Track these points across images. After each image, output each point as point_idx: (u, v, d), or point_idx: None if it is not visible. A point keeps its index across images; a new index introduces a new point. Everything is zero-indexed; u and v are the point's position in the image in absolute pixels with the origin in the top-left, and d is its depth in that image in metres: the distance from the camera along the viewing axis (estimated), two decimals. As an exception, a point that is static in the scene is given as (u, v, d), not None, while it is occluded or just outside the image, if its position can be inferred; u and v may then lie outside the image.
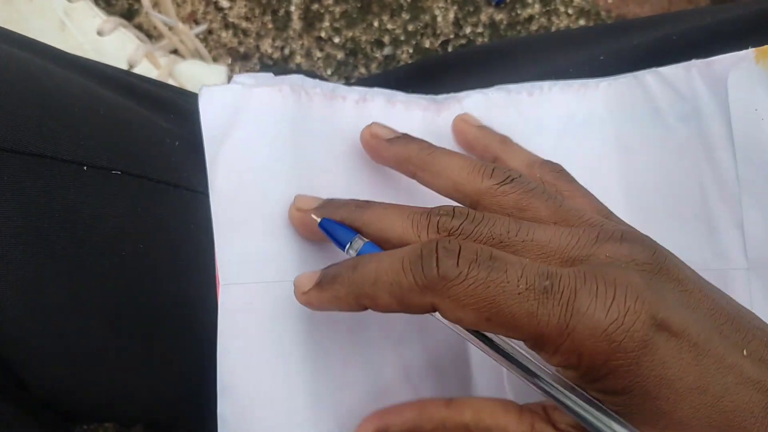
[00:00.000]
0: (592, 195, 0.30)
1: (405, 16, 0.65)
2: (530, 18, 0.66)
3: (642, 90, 0.34)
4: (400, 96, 0.35)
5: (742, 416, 0.23)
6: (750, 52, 0.32)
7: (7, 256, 0.29)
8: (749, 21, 0.37)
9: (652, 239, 0.25)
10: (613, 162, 0.34)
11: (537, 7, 0.66)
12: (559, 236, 0.25)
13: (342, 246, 0.28)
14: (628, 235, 0.25)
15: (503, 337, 0.25)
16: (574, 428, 0.25)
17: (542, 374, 0.24)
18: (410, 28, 0.65)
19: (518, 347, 0.25)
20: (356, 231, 0.28)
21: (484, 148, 0.32)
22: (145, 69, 0.48)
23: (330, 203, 0.29)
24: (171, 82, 0.48)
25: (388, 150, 0.31)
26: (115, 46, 0.48)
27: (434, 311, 0.24)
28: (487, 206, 0.28)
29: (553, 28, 0.67)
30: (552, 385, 0.24)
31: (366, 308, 0.26)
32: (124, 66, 0.48)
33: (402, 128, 0.33)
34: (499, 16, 0.66)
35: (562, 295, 0.22)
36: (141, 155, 0.33)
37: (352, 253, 0.27)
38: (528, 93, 0.35)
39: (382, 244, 0.27)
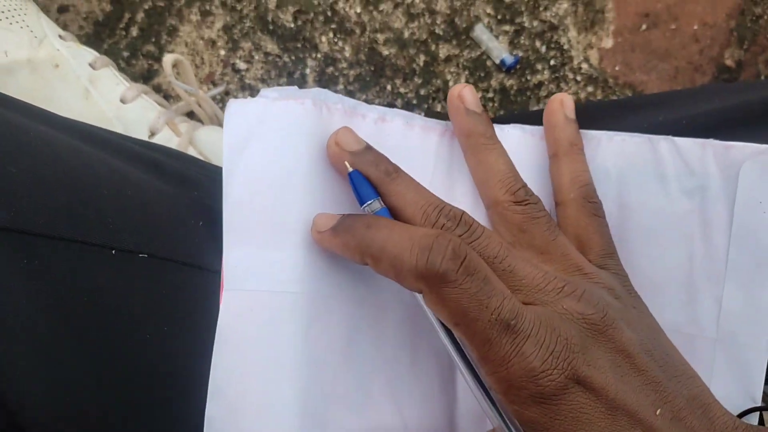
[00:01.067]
0: (606, 233, 0.33)
1: (417, 80, 0.67)
2: (539, 84, 0.68)
3: (653, 154, 0.35)
4: (418, 119, 0.35)
5: None
6: None
7: (33, 333, 0.30)
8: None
9: (609, 302, 0.29)
10: (611, 214, 0.35)
11: (546, 73, 0.68)
12: (534, 276, 0.28)
13: (361, 202, 0.30)
14: (587, 295, 0.28)
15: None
16: None
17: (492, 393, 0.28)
18: (422, 92, 0.67)
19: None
20: (377, 193, 0.30)
21: (560, 140, 0.34)
22: (166, 136, 0.49)
23: (367, 153, 0.31)
24: (191, 149, 0.49)
25: (464, 117, 0.34)
26: (137, 114, 0.49)
27: (420, 294, 0.27)
28: (498, 213, 0.32)
29: (562, 95, 0.68)
30: (496, 405, 0.27)
31: (366, 264, 0.29)
32: (145, 133, 0.49)
33: (418, 150, 0.35)
34: (509, 82, 0.67)
35: (518, 336, 0.26)
36: (166, 237, 0.33)
37: (368, 210, 0.30)
38: (541, 136, 0.36)
39: (394, 214, 0.30)
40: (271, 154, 0.32)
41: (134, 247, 0.32)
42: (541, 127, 0.37)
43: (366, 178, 0.31)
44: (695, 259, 0.34)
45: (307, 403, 0.31)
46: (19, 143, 0.32)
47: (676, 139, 0.35)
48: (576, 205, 0.33)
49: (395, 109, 0.35)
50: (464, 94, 0.34)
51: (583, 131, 0.36)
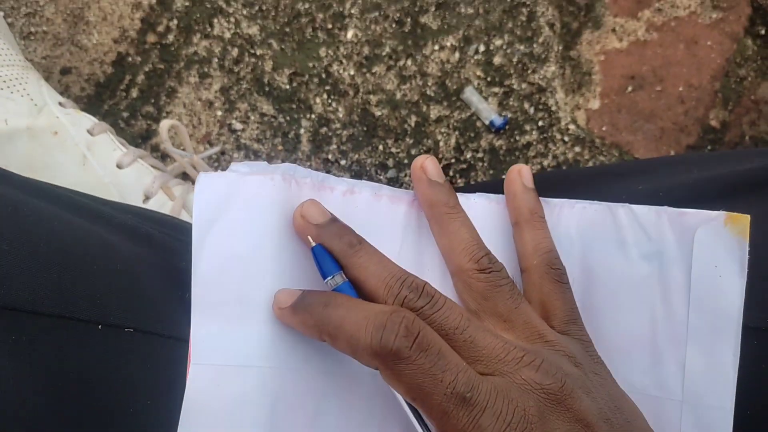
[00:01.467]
0: (569, 299, 0.34)
1: (408, 140, 0.68)
2: (528, 144, 0.69)
3: (612, 221, 0.36)
4: (386, 190, 0.36)
5: None
6: (721, 215, 0.35)
7: (19, 413, 0.31)
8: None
9: (565, 371, 0.29)
10: (575, 279, 0.36)
11: (535, 134, 0.70)
12: (494, 347, 0.29)
13: (323, 276, 0.31)
14: (546, 365, 0.29)
15: None
16: None
17: None
18: (413, 152, 0.68)
19: None
20: (340, 267, 0.31)
21: (520, 208, 0.36)
22: (160, 200, 0.51)
23: (331, 226, 0.32)
24: (184, 213, 0.50)
25: (426, 188, 0.35)
26: (132, 179, 0.51)
27: (376, 370, 0.28)
28: (462, 281, 0.33)
29: (550, 155, 0.69)
30: None
31: (324, 341, 0.29)
32: (140, 197, 0.50)
33: (386, 221, 0.36)
34: (498, 142, 0.69)
35: (475, 408, 0.26)
36: (152, 311, 0.34)
37: (331, 283, 0.31)
38: (505, 204, 0.37)
39: (357, 289, 0.31)
40: (240, 229, 0.33)
41: (121, 321, 0.33)
42: (504, 196, 0.38)
43: (330, 250, 0.31)
44: (657, 322, 0.35)
45: None
46: (13, 220, 0.33)
47: (634, 206, 0.36)
48: (539, 271, 0.34)
49: (363, 181, 0.36)
50: (426, 165, 0.35)
51: (545, 199, 0.37)
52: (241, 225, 0.33)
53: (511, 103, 0.70)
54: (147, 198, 0.50)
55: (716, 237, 0.34)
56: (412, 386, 0.27)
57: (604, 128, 0.71)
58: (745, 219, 0.34)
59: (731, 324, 0.34)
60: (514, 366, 0.29)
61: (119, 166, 0.51)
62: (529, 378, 0.28)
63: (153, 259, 0.37)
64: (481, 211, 0.37)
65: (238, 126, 0.68)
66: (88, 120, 0.53)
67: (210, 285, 0.32)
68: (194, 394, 0.31)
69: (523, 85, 0.70)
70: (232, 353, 0.32)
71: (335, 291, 0.31)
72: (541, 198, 0.37)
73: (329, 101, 0.68)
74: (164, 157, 0.66)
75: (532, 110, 0.70)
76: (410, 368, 0.27)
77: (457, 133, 0.69)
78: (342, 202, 0.35)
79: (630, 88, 0.71)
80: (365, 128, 0.68)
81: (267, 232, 0.33)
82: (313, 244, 0.31)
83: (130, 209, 0.43)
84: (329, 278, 0.31)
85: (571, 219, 0.37)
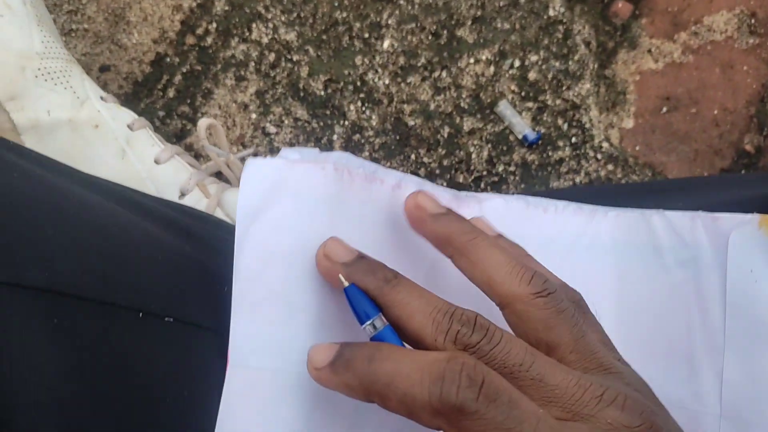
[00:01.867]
0: (600, 327, 0.30)
1: (441, 151, 0.69)
2: (560, 160, 0.69)
3: (647, 227, 0.36)
4: (428, 186, 0.35)
5: None
6: (755, 217, 0.34)
7: (59, 396, 0.31)
8: None
9: (650, 408, 0.25)
10: (611, 289, 0.36)
11: (567, 150, 0.69)
12: (567, 384, 0.25)
13: (361, 321, 0.27)
14: (630, 401, 0.25)
15: None
16: None
17: None
18: (445, 162, 0.68)
19: None
20: (378, 308, 0.27)
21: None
22: (195, 197, 0.51)
23: (362, 263, 0.29)
24: (218, 211, 0.51)
25: (431, 225, 0.30)
26: (169, 175, 0.51)
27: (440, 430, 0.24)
28: (517, 312, 0.27)
29: (582, 172, 0.69)
30: None
31: (372, 402, 0.26)
32: (176, 193, 0.50)
33: None
34: (531, 157, 0.69)
35: None
36: (193, 302, 0.34)
37: (369, 330, 0.27)
38: (544, 209, 0.37)
39: (398, 329, 0.27)
40: (287, 222, 0.31)
41: (161, 311, 0.33)
42: (519, 199, 0.37)
43: (364, 290, 0.28)
44: (693, 330, 0.34)
45: None
46: (59, 206, 0.33)
47: (667, 212, 0.36)
48: (532, 301, 0.28)
49: (410, 176, 0.35)
50: (421, 201, 0.31)
51: (580, 205, 0.36)
52: (289, 218, 0.31)
53: (544, 118, 0.70)
54: (183, 194, 0.51)
55: (751, 240, 0.33)
56: None
57: (637, 147, 0.70)
58: None
59: None
60: (594, 407, 0.24)
61: (157, 162, 0.51)
62: (616, 420, 0.24)
63: (192, 252, 0.37)
64: (495, 212, 0.36)
65: (272, 129, 0.68)
66: (128, 115, 0.53)
67: (252, 282, 0.31)
68: (230, 396, 0.30)
69: (557, 102, 0.70)
70: (271, 356, 0.31)
71: (376, 338, 0.27)
72: (574, 204, 0.37)
73: (363, 109, 0.69)
74: (198, 156, 0.67)
75: (565, 126, 0.70)
76: (479, 424, 0.23)
77: (489, 145, 0.69)
78: (390, 198, 0.34)
79: (665, 109, 0.71)
80: (398, 137, 0.68)
81: (315, 227, 0.31)
82: (346, 284, 0.28)
83: (168, 203, 0.44)
84: (367, 323, 0.27)
85: (605, 226, 0.36)
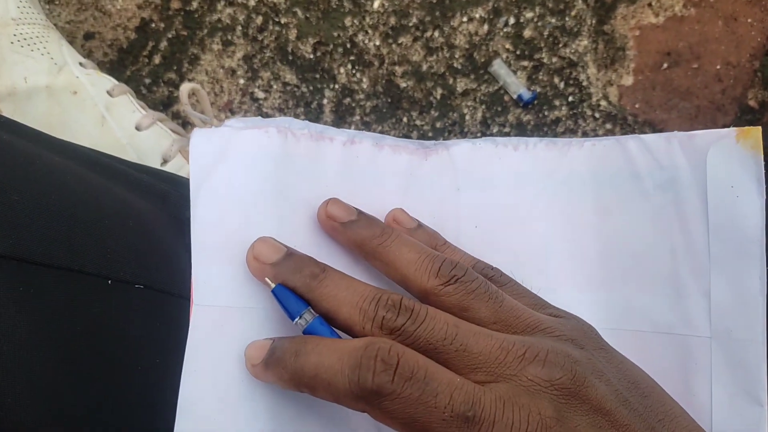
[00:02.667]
0: (526, 290, 0.31)
1: (434, 113, 0.67)
2: (557, 120, 0.67)
3: (623, 154, 0.35)
4: (388, 140, 0.35)
5: None
6: (732, 131, 0.33)
7: (29, 364, 0.30)
8: None
9: (573, 358, 0.26)
10: (590, 220, 0.35)
11: (564, 110, 0.67)
12: (490, 349, 0.26)
13: (291, 317, 0.29)
14: (551, 357, 0.26)
15: None
16: None
17: None
18: (438, 125, 0.67)
19: None
20: (307, 303, 0.29)
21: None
22: (178, 163, 0.50)
23: (289, 261, 0.30)
24: (202, 177, 0.50)
25: (342, 233, 0.32)
26: (151, 141, 0.50)
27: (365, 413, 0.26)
28: (433, 303, 0.29)
29: (579, 131, 0.67)
30: None
31: (304, 392, 0.27)
32: (158, 160, 0.49)
33: (387, 171, 0.35)
34: (526, 117, 0.67)
35: (482, 425, 0.24)
36: (164, 269, 0.33)
37: (302, 323, 0.28)
38: (514, 147, 0.36)
39: (330, 321, 0.28)
40: (237, 178, 0.32)
41: (131, 277, 0.32)
42: (487, 141, 0.36)
43: (292, 288, 0.29)
44: (678, 253, 0.33)
45: (278, 419, 0.31)
46: (25, 171, 0.32)
47: (643, 136, 0.35)
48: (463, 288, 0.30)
49: (364, 132, 0.35)
50: (331, 211, 0.32)
51: (553, 139, 0.36)
52: (239, 173, 0.32)
53: (540, 77, 0.68)
54: (165, 161, 0.49)
55: (729, 155, 0.32)
56: (406, 421, 0.24)
57: (637, 105, 0.68)
58: (757, 131, 0.32)
59: (754, 247, 0.32)
60: (517, 366, 0.26)
61: (138, 128, 0.50)
62: (537, 376, 0.25)
63: (169, 218, 0.36)
64: (463, 156, 0.36)
65: (260, 95, 0.67)
66: (108, 81, 0.52)
67: (209, 228, 0.32)
68: (198, 334, 0.31)
69: (554, 60, 0.68)
70: (235, 295, 0.31)
71: (307, 331, 0.28)
72: (547, 139, 0.36)
73: (353, 72, 0.67)
74: (185, 125, 0.66)
75: (562, 85, 0.68)
76: (398, 403, 0.24)
77: (483, 106, 0.67)
78: (342, 153, 0.34)
79: (665, 65, 0.69)
80: (390, 100, 0.67)
81: (264, 180, 0.32)
82: (272, 285, 0.29)
83: (146, 169, 0.43)
84: (297, 319, 0.29)
85: (581, 157, 0.35)
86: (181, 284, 0.33)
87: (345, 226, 0.32)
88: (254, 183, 0.32)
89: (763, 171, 0.32)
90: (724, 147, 0.33)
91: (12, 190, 0.31)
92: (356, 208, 0.33)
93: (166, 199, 0.38)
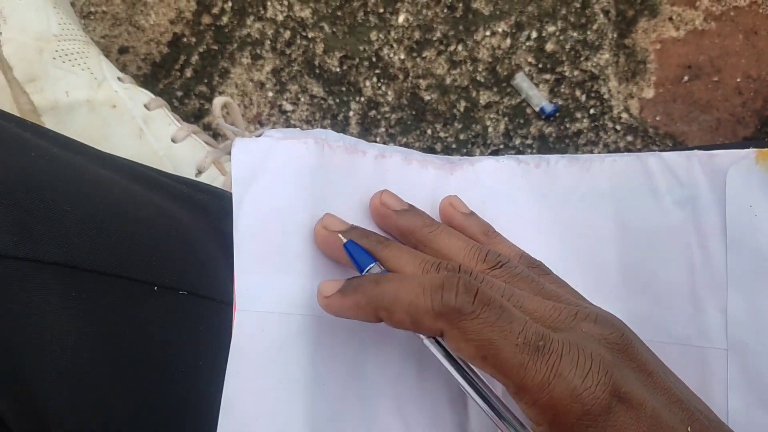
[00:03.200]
0: (565, 283, 0.33)
1: (457, 125, 0.68)
2: (578, 132, 0.68)
3: (643, 171, 0.36)
4: (416, 155, 0.37)
5: None
6: (751, 152, 0.34)
7: (78, 368, 0.32)
8: None
9: (621, 322, 0.29)
10: (611, 235, 0.36)
11: (586, 122, 0.69)
12: (544, 308, 0.28)
13: (361, 269, 0.31)
14: (601, 317, 0.28)
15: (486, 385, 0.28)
16: None
17: (515, 424, 0.27)
18: (462, 137, 0.68)
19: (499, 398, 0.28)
20: (375, 260, 0.31)
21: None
22: (212, 175, 0.52)
23: (355, 230, 0.33)
24: (235, 188, 0.51)
25: (395, 220, 0.34)
26: (186, 153, 0.52)
27: (440, 335, 0.27)
28: None
29: (601, 143, 0.68)
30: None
31: (380, 320, 0.29)
32: (193, 171, 0.51)
33: (415, 184, 0.36)
34: (548, 129, 0.68)
35: (551, 356, 0.25)
36: (206, 276, 0.35)
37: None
38: (536, 164, 0.37)
39: None
40: (277, 187, 0.34)
41: (176, 284, 0.34)
42: (510, 159, 0.38)
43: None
44: (696, 269, 0.34)
45: (315, 421, 0.32)
46: (76, 184, 0.34)
47: (663, 153, 0.36)
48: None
49: (394, 146, 0.37)
50: (385, 199, 0.34)
51: (574, 156, 0.37)
52: (278, 184, 0.34)
53: (562, 90, 0.69)
54: (199, 172, 0.51)
55: (748, 175, 0.34)
56: (482, 342, 0.26)
57: (657, 118, 0.69)
58: None
59: None
60: (571, 322, 0.28)
61: (174, 141, 0.52)
62: (591, 330, 0.27)
63: (208, 228, 0.38)
64: (487, 172, 0.37)
65: (288, 107, 0.69)
66: (145, 95, 0.54)
67: (251, 237, 0.33)
68: (240, 339, 0.32)
69: (575, 73, 0.69)
70: (275, 301, 0.33)
71: None
72: (568, 156, 0.37)
73: (379, 85, 0.69)
74: (216, 136, 0.67)
75: (583, 98, 0.69)
76: (476, 323, 0.26)
77: (506, 119, 0.68)
78: (373, 165, 0.36)
79: (686, 78, 0.70)
80: (414, 112, 0.68)
81: (303, 190, 0.34)
82: (344, 240, 0.31)
83: (185, 181, 0.44)
84: (367, 270, 0.31)
85: (601, 173, 0.37)
86: (222, 291, 0.34)
87: (398, 214, 0.34)
88: (293, 193, 0.34)
89: None
90: (744, 167, 0.34)
91: (65, 202, 0.33)
92: (407, 203, 0.34)
93: (206, 209, 0.39)
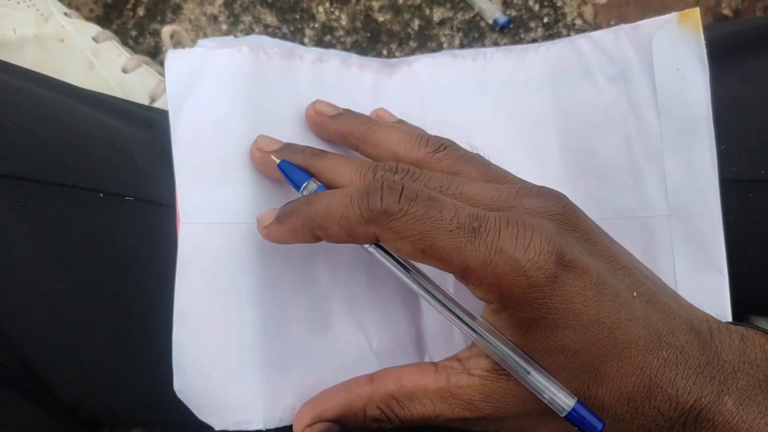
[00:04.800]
0: (504, 169, 0.32)
1: (412, 44, 0.69)
2: (533, 41, 0.69)
3: (576, 53, 0.36)
4: (354, 58, 0.37)
5: (629, 347, 0.26)
6: (673, 16, 0.34)
7: (35, 275, 0.33)
8: None
9: (563, 195, 0.29)
10: (550, 120, 0.37)
11: (540, 31, 0.69)
12: (485, 191, 0.28)
13: (297, 187, 0.31)
14: (543, 191, 0.28)
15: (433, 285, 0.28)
16: (486, 371, 0.28)
17: (463, 315, 0.28)
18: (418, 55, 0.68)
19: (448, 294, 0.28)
20: (310, 176, 0.31)
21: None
22: (164, 102, 0.52)
23: (289, 147, 0.32)
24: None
25: (331, 125, 0.34)
26: (138, 82, 0.52)
27: (377, 241, 0.27)
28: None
29: (556, 51, 0.69)
30: (473, 325, 0.27)
31: (319, 239, 0.29)
32: (146, 99, 0.52)
33: (354, 88, 0.36)
34: (503, 41, 0.69)
35: (488, 234, 0.25)
36: (151, 183, 0.36)
37: (306, 193, 0.30)
38: (472, 58, 0.38)
39: (331, 188, 0.30)
40: (213, 98, 0.34)
41: (121, 191, 0.35)
42: (446, 54, 0.38)
43: (296, 165, 0.31)
44: (632, 141, 0.35)
45: (267, 324, 0.32)
46: (16, 102, 0.35)
47: (593, 33, 0.36)
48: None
49: (333, 50, 0.37)
50: (319, 107, 0.34)
51: (509, 47, 0.38)
52: (215, 94, 0.34)
53: (514, 1, 0.69)
54: (153, 100, 0.52)
55: (673, 38, 0.34)
56: (416, 237, 0.26)
57: (612, 22, 0.69)
58: (695, 12, 0.34)
59: (702, 123, 0.33)
60: (513, 200, 0.28)
61: (125, 71, 0.52)
62: (533, 204, 0.27)
63: (152, 140, 0.38)
64: (425, 71, 0.37)
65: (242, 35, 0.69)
66: (93, 28, 0.54)
67: (190, 150, 0.33)
68: (186, 251, 0.32)
69: (527, -17, 0.69)
70: (219, 212, 0.33)
71: None
72: (503, 47, 0.38)
73: (332, 9, 0.69)
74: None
75: (536, 7, 0.69)
76: (405, 220, 0.26)
77: (461, 34, 0.69)
78: (311, 70, 0.36)
79: (638, -20, 0.70)
80: (369, 34, 0.69)
81: (240, 99, 0.34)
82: (277, 161, 0.31)
83: (130, 102, 0.45)
84: (303, 187, 0.31)
85: (537, 61, 0.37)
86: (168, 197, 0.35)
87: (334, 118, 0.34)
88: (230, 102, 0.34)
89: (705, 50, 0.34)
90: (668, 32, 0.34)
91: (5, 117, 0.33)
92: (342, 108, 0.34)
93: (150, 123, 0.40)
